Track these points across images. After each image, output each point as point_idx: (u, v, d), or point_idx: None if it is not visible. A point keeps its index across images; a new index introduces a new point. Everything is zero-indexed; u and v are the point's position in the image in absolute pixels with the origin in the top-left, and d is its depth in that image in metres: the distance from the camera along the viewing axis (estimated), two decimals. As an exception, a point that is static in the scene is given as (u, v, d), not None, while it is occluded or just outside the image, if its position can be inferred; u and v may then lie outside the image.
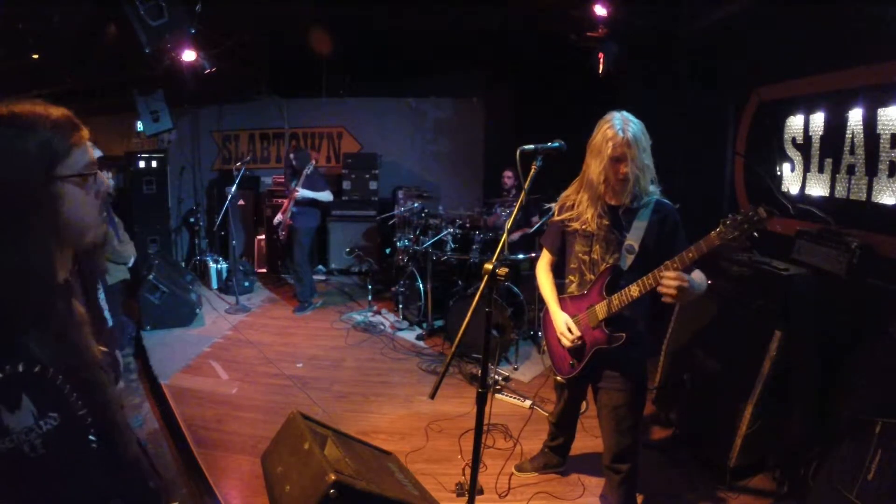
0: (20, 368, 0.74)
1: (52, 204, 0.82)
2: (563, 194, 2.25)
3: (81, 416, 0.81)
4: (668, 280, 1.85)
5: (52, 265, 0.83)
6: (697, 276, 1.97)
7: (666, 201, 2.08)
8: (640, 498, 2.56)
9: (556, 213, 2.26)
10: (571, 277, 2.23)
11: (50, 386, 0.77)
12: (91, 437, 0.82)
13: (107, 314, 1.15)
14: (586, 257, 2.15)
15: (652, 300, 2.03)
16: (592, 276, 2.14)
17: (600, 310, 2.09)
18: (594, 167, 2.03)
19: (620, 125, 1.96)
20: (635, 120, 2.01)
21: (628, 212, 2.06)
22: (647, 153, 1.98)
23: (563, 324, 2.16)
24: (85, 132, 0.89)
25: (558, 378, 2.37)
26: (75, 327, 0.86)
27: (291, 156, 5.42)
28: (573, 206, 2.17)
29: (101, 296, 1.08)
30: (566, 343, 2.14)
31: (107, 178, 0.92)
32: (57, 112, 0.85)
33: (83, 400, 0.81)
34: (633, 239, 2.03)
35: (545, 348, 2.44)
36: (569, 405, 2.56)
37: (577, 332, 2.12)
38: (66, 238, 0.85)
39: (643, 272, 1.95)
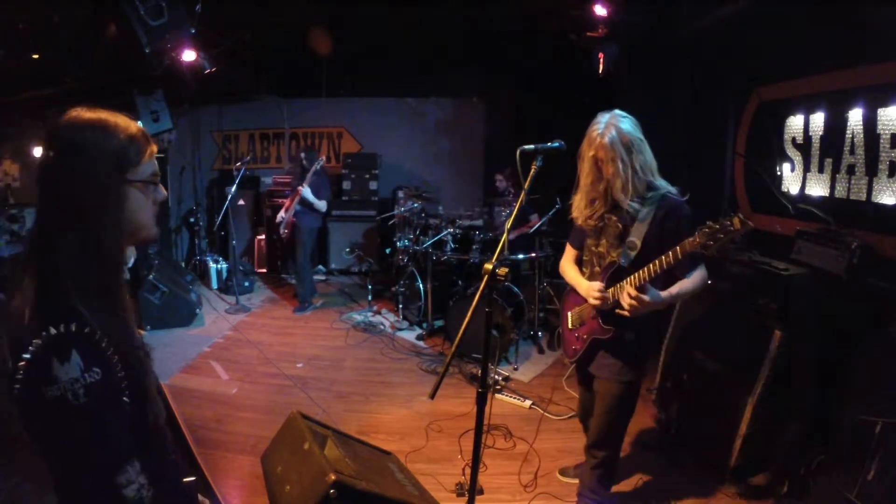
0: (73, 328, 0.86)
1: (119, 201, 0.97)
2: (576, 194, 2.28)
3: (120, 377, 0.91)
4: (624, 300, 1.94)
5: (119, 250, 0.99)
6: (685, 283, 2.01)
7: (673, 197, 2.06)
8: (639, 498, 2.57)
9: (572, 212, 2.31)
10: (584, 269, 2.32)
11: (96, 346, 0.88)
12: (125, 398, 0.92)
13: None
14: (595, 250, 2.23)
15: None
16: (599, 268, 2.21)
17: None
18: (583, 168, 2.11)
19: (602, 128, 1.99)
20: (625, 120, 2.00)
21: (632, 208, 2.06)
22: (634, 153, 1.98)
23: (589, 287, 2.17)
24: (154, 147, 1.06)
25: (566, 360, 2.47)
26: (126, 309, 1.01)
27: (303, 155, 5.40)
28: (580, 205, 2.23)
29: None
30: (594, 302, 2.12)
31: (164, 190, 1.09)
32: (134, 126, 1.01)
33: (122, 364, 0.92)
34: (636, 236, 2.04)
35: (559, 331, 2.52)
36: (587, 396, 2.56)
37: (598, 286, 2.12)
38: (126, 233, 1.00)
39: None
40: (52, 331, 0.84)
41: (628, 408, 2.28)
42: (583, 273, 2.31)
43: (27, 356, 0.83)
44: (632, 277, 1.98)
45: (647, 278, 1.92)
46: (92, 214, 0.93)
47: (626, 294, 1.94)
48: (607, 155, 1.97)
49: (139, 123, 1.04)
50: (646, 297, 1.92)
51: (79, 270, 0.91)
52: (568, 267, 2.39)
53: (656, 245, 2.01)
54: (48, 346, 0.84)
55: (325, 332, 4.90)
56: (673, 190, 2.08)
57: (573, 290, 2.36)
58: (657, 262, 1.89)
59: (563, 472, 2.80)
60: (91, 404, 0.85)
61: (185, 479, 1.10)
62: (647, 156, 2.03)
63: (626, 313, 1.99)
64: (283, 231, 5.47)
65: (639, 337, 2.16)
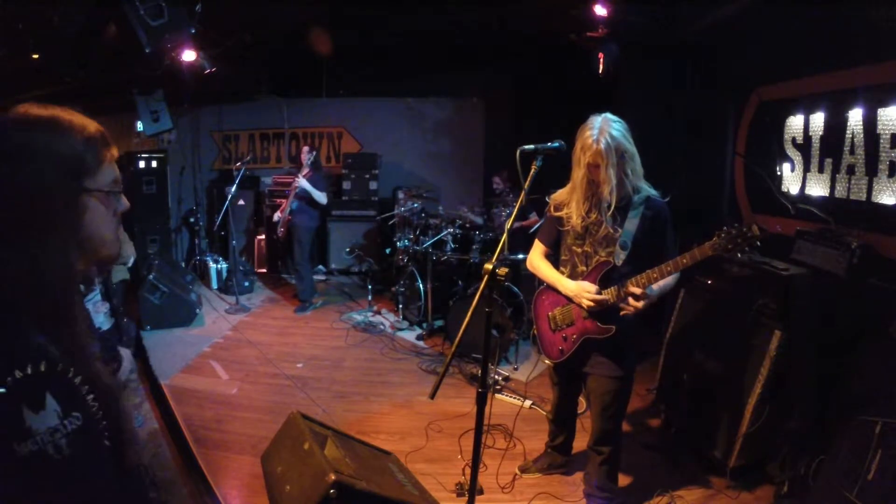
0: (42, 367, 0.72)
1: (75, 214, 0.83)
2: (557, 193, 2.34)
3: (98, 418, 0.80)
4: (633, 303, 2.05)
5: (72, 271, 0.83)
6: (668, 280, 2.10)
7: (656, 198, 2.16)
8: (640, 498, 2.57)
9: (550, 210, 2.35)
10: (563, 269, 2.34)
11: (71, 386, 0.76)
12: (106, 441, 0.81)
13: (102, 317, 1.15)
14: (579, 249, 2.26)
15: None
16: (584, 268, 2.23)
17: None
18: (577, 173, 2.15)
19: (596, 134, 2.04)
20: (616, 124, 2.07)
21: (620, 209, 2.14)
22: (626, 157, 2.06)
23: (579, 288, 2.20)
24: (115, 150, 0.91)
25: (547, 362, 2.47)
26: (87, 333, 0.87)
27: (306, 148, 5.45)
28: (565, 205, 2.27)
29: (97, 297, 1.08)
30: (588, 304, 2.15)
31: (126, 200, 0.94)
32: (93, 126, 0.87)
33: (98, 402, 0.80)
34: (627, 236, 2.13)
35: (535, 332, 2.53)
36: (564, 398, 2.61)
37: (594, 287, 2.17)
38: (84, 249, 0.86)
39: (635, 267, 2.10)
40: (18, 374, 0.69)
41: (627, 400, 2.35)
42: (561, 273, 2.33)
43: None
44: (639, 277, 2.05)
45: (658, 277, 2.01)
46: (43, 231, 0.78)
47: (632, 292, 2.04)
48: (602, 160, 2.04)
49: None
50: (649, 294, 2.05)
51: (32, 299, 0.76)
52: (542, 264, 2.40)
53: (645, 244, 2.13)
54: (15, 393, 0.69)
55: (325, 332, 4.90)
56: (655, 192, 2.17)
57: (548, 291, 2.39)
58: (672, 262, 1.98)
59: (523, 469, 2.80)
60: (76, 455, 0.72)
61: None
62: (637, 161, 2.11)
63: (631, 309, 2.07)
64: (279, 230, 5.49)
65: (629, 330, 2.22)
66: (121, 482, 0.83)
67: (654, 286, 2.09)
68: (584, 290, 2.17)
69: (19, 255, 0.76)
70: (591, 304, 2.15)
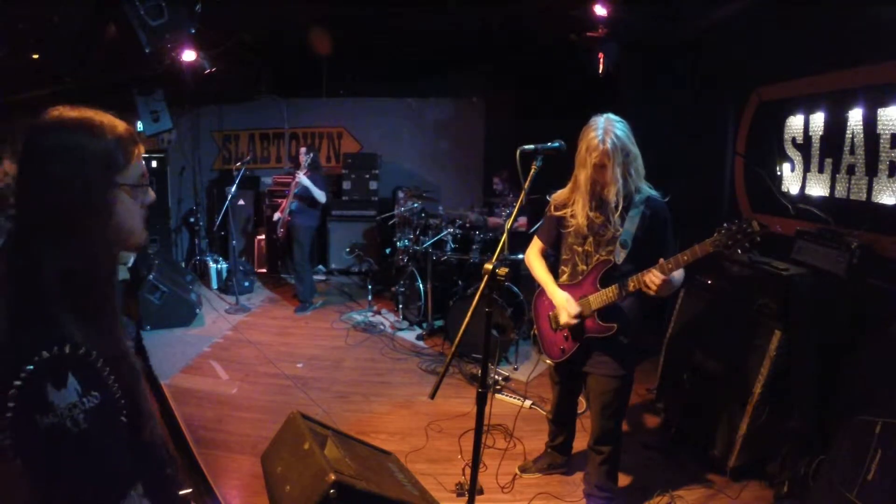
0: (66, 350, 0.80)
1: (108, 207, 0.90)
2: (558, 193, 2.34)
3: (117, 397, 0.87)
4: (655, 280, 2.02)
5: (110, 258, 0.93)
6: (678, 273, 2.11)
7: (657, 198, 2.17)
8: (640, 498, 2.57)
9: (551, 210, 2.35)
10: (563, 268, 2.35)
11: (92, 367, 0.83)
12: (123, 418, 0.88)
13: None
14: (580, 248, 2.26)
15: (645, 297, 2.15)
16: (585, 267, 2.25)
17: (594, 300, 2.20)
18: (582, 176, 2.15)
19: (601, 135, 2.03)
20: (619, 124, 2.07)
21: (621, 209, 2.15)
22: (631, 157, 2.07)
23: (563, 300, 2.23)
24: (141, 147, 0.98)
25: (548, 361, 2.47)
26: (117, 321, 0.96)
27: (303, 150, 5.43)
28: (567, 205, 2.27)
29: None
30: (565, 319, 2.20)
31: (153, 192, 1.02)
32: (122, 126, 0.94)
33: (118, 383, 0.88)
34: (627, 235, 2.14)
35: (535, 332, 2.54)
36: (564, 397, 2.61)
37: (576, 309, 2.19)
38: (115, 240, 0.94)
39: (636, 265, 2.11)
40: (45, 354, 0.78)
41: (626, 400, 2.36)
42: (562, 272, 2.35)
43: (18, 383, 0.76)
44: (640, 276, 2.06)
45: (673, 268, 2.01)
46: (79, 223, 0.86)
47: (650, 279, 2.03)
48: (608, 161, 2.04)
49: (130, 123, 0.97)
50: (670, 280, 2.04)
51: (66, 286, 0.84)
52: (537, 263, 2.41)
53: (645, 243, 2.13)
54: (41, 372, 0.77)
55: (325, 332, 4.90)
56: (655, 192, 2.18)
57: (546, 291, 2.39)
58: (673, 260, 1.99)
59: (523, 469, 2.80)
60: (92, 430, 0.80)
61: (181, 493, 1.06)
62: (640, 161, 2.13)
63: (651, 291, 2.06)
64: (279, 231, 5.49)
65: (630, 330, 2.23)
66: (136, 456, 0.90)
67: (662, 282, 2.07)
68: (565, 309, 2.21)
69: (60, 246, 0.84)
70: (568, 322, 2.19)
